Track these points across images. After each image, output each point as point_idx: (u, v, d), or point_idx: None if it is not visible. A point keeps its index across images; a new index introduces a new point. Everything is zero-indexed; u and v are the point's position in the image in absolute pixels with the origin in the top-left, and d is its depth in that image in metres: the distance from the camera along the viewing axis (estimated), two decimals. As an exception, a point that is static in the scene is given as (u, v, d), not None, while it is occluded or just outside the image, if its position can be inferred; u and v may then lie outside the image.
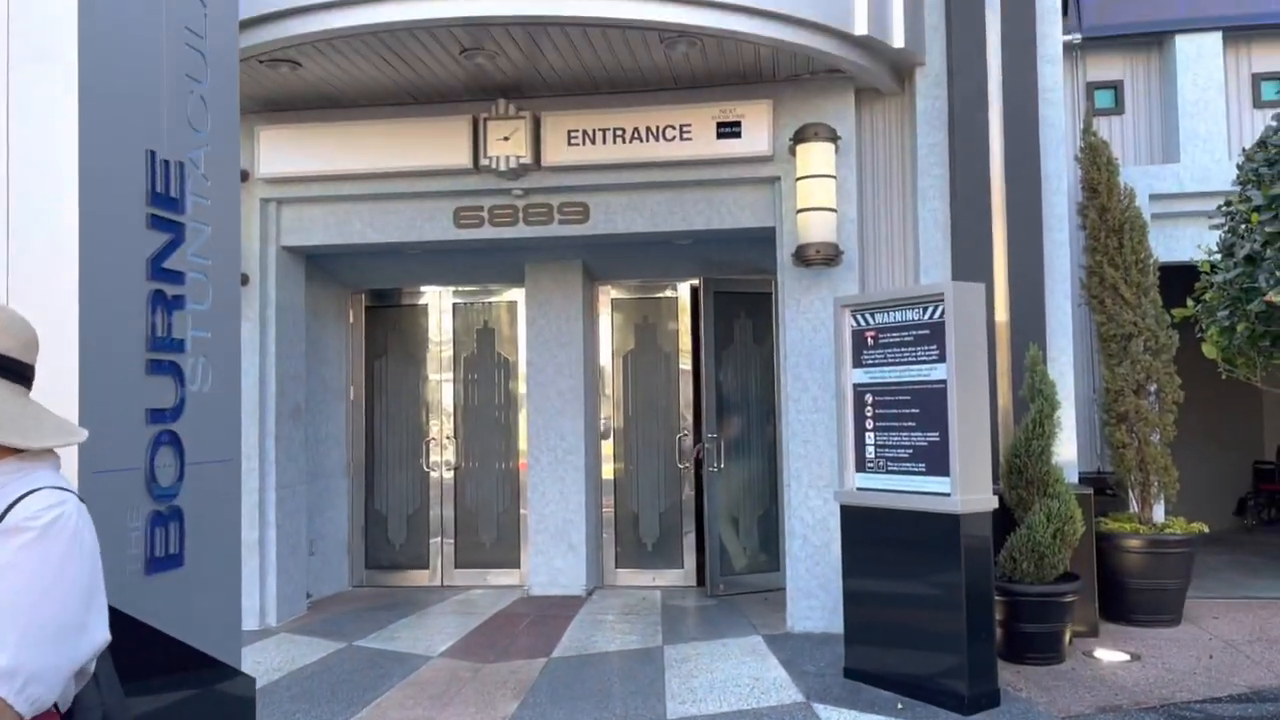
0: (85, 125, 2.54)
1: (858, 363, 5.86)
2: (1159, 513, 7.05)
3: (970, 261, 6.54)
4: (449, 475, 8.77)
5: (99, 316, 2.55)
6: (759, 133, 6.95)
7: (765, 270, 7.90)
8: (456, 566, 8.69)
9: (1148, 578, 6.65)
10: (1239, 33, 8.04)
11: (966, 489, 5.20)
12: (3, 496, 1.68)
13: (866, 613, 5.65)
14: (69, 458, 2.23)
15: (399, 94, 7.18)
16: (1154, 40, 8.24)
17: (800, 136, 6.73)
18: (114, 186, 2.65)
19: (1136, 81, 8.35)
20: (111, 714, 1.85)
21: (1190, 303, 5.33)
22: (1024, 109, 6.62)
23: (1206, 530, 6.91)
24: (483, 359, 8.87)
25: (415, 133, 7.21)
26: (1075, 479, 6.57)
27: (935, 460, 5.36)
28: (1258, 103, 8.08)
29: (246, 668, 3.31)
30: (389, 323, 9.02)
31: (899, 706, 5.19)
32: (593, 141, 7.07)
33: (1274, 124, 5.00)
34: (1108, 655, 5.99)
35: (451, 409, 8.83)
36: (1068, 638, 5.98)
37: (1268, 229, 4.68)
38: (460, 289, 8.89)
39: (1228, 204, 5.10)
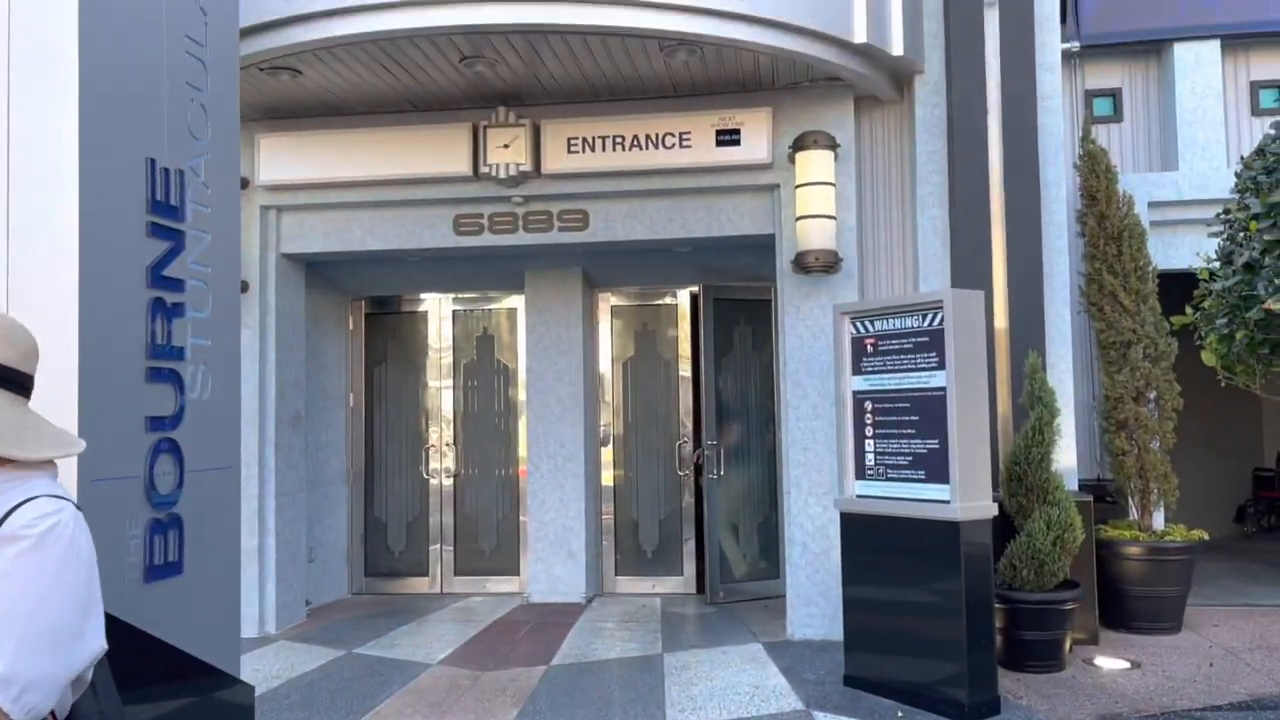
0: (86, 133, 2.55)
1: (857, 370, 5.87)
2: (1159, 520, 7.05)
3: (969, 269, 6.55)
4: (449, 482, 8.76)
5: (99, 324, 2.55)
6: (758, 140, 6.96)
7: (765, 277, 7.91)
8: (456, 574, 8.69)
9: (1148, 585, 6.64)
10: (1237, 41, 8.06)
11: (966, 496, 5.20)
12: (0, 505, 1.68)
13: (866, 620, 5.64)
14: (68, 466, 2.23)
15: (399, 101, 7.19)
16: (1152, 48, 8.26)
17: (799, 144, 6.74)
18: (114, 194, 2.65)
19: (1135, 89, 8.36)
20: None
21: (1189, 310, 5.34)
22: (1023, 117, 6.63)
23: (1206, 537, 6.90)
24: (482, 366, 8.88)
25: (415, 140, 7.23)
26: (1075, 486, 6.56)
27: (935, 467, 5.36)
28: (1256, 110, 8.10)
29: (246, 675, 3.31)
30: (389, 330, 9.02)
31: (899, 715, 5.18)
32: (592, 149, 7.08)
33: (1272, 132, 5.02)
34: (1108, 663, 5.98)
35: (451, 416, 8.83)
36: (1068, 645, 5.97)
37: (1266, 237, 4.70)
38: (460, 296, 8.90)
39: (1226, 212, 5.13)
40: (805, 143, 6.72)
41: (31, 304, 2.43)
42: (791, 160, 6.84)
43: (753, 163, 6.98)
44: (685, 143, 7.02)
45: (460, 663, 6.37)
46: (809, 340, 6.90)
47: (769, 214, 7.15)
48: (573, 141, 7.08)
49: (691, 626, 7.27)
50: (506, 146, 7.03)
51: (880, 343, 5.72)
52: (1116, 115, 8.35)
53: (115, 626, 1.88)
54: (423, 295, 8.93)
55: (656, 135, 7.05)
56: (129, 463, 2.65)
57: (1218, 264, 5.20)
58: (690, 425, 8.55)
